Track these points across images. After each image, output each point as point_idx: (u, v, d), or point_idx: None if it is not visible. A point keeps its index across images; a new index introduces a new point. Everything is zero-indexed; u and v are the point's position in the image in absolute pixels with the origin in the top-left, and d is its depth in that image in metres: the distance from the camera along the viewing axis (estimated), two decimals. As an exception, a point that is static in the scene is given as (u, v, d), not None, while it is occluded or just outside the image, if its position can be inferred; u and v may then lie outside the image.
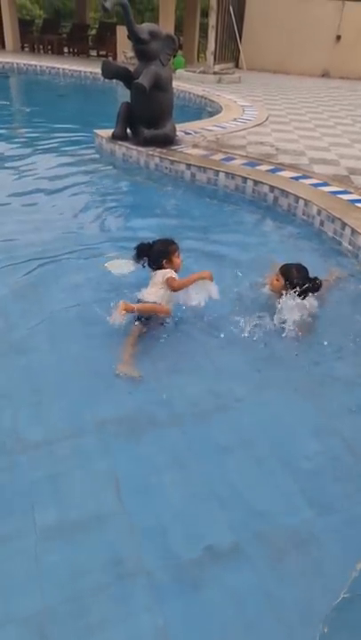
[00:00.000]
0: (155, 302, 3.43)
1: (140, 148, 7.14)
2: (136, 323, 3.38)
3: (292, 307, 3.51)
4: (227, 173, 6.30)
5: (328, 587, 2.00)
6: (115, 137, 7.49)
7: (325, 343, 3.43)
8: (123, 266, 4.12)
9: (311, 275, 3.61)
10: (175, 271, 3.60)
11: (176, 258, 3.65)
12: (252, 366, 3.23)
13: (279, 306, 3.54)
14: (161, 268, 3.60)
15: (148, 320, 3.42)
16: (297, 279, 3.54)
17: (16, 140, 8.72)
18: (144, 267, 3.69)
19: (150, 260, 3.63)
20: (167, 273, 3.52)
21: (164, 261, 3.61)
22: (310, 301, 3.58)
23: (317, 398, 2.99)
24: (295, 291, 3.51)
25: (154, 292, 3.48)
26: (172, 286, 3.48)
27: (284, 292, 3.55)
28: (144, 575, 1.99)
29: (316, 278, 3.58)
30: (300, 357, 3.31)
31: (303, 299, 3.52)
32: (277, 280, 3.63)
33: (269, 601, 1.95)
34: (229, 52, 20.16)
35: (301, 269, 3.61)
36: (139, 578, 1.98)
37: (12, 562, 2.01)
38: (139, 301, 3.42)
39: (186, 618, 1.88)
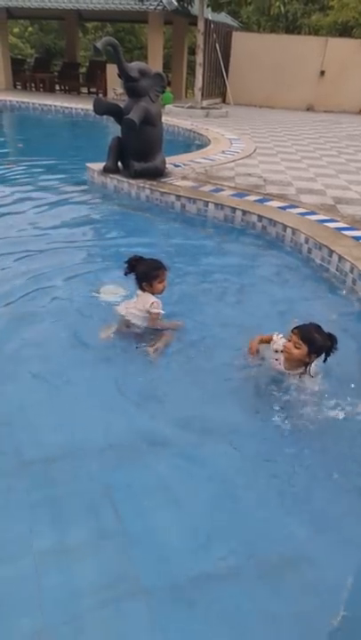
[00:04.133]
0: (140, 325, 3.64)
1: (131, 181, 7.30)
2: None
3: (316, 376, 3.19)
4: (216, 204, 6.44)
5: (325, 604, 2.02)
6: (106, 170, 7.66)
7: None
8: (114, 292, 4.19)
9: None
10: (154, 294, 3.68)
11: (158, 284, 3.66)
12: (248, 394, 3.25)
13: (304, 377, 3.17)
14: (142, 289, 3.67)
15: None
16: (322, 343, 3.06)
17: (10, 174, 8.87)
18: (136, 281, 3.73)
19: (137, 278, 3.68)
20: (154, 305, 3.60)
21: (144, 284, 3.65)
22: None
23: (309, 427, 2.99)
24: (317, 356, 3.11)
25: (140, 315, 3.63)
26: (152, 321, 3.64)
27: (307, 360, 3.12)
28: (142, 595, 2.00)
29: (330, 335, 3.12)
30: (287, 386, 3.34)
31: (325, 361, 3.14)
32: (298, 348, 3.07)
33: (267, 620, 1.96)
34: (216, 88, 20.75)
35: (320, 329, 3.11)
36: (137, 598, 1.99)
37: (13, 582, 2.03)
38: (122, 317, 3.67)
39: (184, 637, 1.89)
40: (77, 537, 2.22)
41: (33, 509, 2.34)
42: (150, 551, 2.18)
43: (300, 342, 3.05)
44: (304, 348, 3.06)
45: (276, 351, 3.27)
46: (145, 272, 3.63)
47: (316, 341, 3.04)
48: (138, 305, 3.66)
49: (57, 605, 1.95)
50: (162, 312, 3.66)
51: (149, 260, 3.71)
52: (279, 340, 3.28)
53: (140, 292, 3.69)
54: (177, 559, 2.17)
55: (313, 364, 3.14)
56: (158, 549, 2.20)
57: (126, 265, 3.67)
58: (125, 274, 3.70)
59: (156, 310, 3.61)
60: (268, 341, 3.36)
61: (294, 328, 3.12)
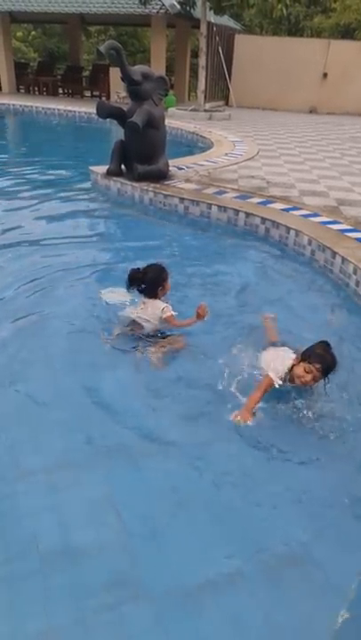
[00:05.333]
0: (151, 330, 3.64)
1: (135, 184, 7.32)
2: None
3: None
4: (219, 206, 6.46)
5: (327, 607, 2.03)
6: (109, 173, 7.69)
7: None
8: (118, 295, 4.21)
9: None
10: (164, 296, 3.74)
11: (167, 284, 3.75)
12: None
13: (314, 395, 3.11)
14: (155, 296, 3.68)
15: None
16: (334, 364, 2.97)
17: (14, 177, 8.91)
18: (138, 291, 3.72)
19: (145, 289, 3.69)
20: (165, 311, 3.63)
21: (159, 289, 3.69)
22: None
23: (310, 428, 2.98)
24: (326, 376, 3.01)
25: (152, 320, 3.64)
26: (172, 324, 3.66)
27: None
28: (145, 599, 2.00)
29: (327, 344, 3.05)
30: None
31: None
32: (314, 380, 2.97)
33: (269, 623, 1.96)
34: (219, 91, 20.78)
35: (329, 349, 3.01)
36: (140, 602, 1.99)
37: (18, 583, 2.04)
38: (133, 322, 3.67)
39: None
40: (81, 540, 2.23)
41: (36, 514, 2.34)
42: (153, 555, 2.19)
43: (321, 374, 2.94)
44: (321, 377, 2.98)
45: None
46: (155, 279, 3.67)
47: (334, 367, 2.96)
48: (147, 311, 3.67)
49: (62, 607, 1.95)
50: (175, 313, 3.68)
51: (151, 266, 3.72)
52: (284, 364, 3.07)
53: (146, 299, 3.70)
54: (180, 562, 2.17)
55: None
56: (161, 553, 2.20)
57: (130, 279, 3.66)
58: (137, 289, 3.70)
59: (170, 313, 3.64)
60: (270, 385, 3.02)
61: (311, 357, 2.95)
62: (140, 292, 3.72)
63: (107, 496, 2.46)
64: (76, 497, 2.45)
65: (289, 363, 3.06)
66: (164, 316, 3.63)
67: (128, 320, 3.75)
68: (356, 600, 2.05)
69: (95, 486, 2.52)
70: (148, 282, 3.66)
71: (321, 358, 2.93)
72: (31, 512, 2.35)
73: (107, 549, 2.19)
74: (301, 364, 2.98)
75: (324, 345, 3.02)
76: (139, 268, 3.70)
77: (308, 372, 2.94)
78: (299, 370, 2.98)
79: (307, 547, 2.28)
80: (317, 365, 2.92)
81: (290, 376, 3.06)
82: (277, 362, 3.10)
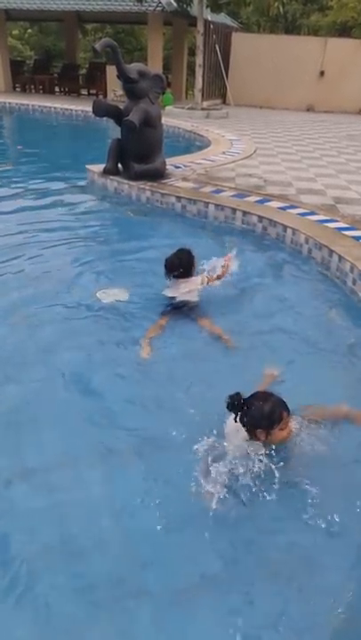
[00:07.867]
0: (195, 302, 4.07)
1: (132, 182, 7.31)
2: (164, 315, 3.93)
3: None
4: (216, 205, 6.45)
5: (326, 603, 2.02)
6: (106, 172, 7.68)
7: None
8: (114, 295, 4.21)
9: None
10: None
11: (196, 262, 4.18)
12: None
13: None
14: (191, 275, 4.10)
15: (176, 310, 4.00)
16: (268, 399, 2.57)
17: (10, 176, 8.89)
18: (175, 277, 4.07)
19: (183, 272, 4.06)
20: (204, 280, 4.11)
21: (193, 270, 4.13)
22: None
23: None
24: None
25: (192, 294, 4.07)
26: (214, 282, 4.15)
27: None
28: (145, 597, 2.01)
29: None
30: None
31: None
32: (287, 424, 2.59)
33: (269, 620, 1.97)
34: (216, 89, 20.74)
35: (247, 402, 2.57)
36: (140, 600, 2.00)
37: (16, 582, 2.04)
38: (174, 305, 4.03)
39: (187, 638, 1.90)
40: (81, 539, 2.23)
41: (35, 514, 2.34)
42: (153, 553, 2.19)
43: (285, 414, 2.55)
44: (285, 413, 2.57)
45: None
46: (190, 262, 4.11)
47: (272, 400, 2.55)
48: (190, 287, 4.07)
49: (60, 605, 1.96)
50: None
51: (181, 252, 4.12)
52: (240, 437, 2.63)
53: (181, 280, 4.07)
54: (180, 560, 2.17)
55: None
56: (161, 551, 2.20)
57: (169, 268, 4.04)
58: (168, 274, 4.06)
59: (207, 278, 4.11)
60: None
61: (262, 424, 2.52)
62: (177, 276, 4.08)
63: (106, 496, 2.45)
64: (72, 498, 2.44)
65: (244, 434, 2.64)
66: (206, 282, 4.09)
67: (170, 300, 4.07)
68: (358, 600, 2.04)
69: (94, 486, 2.51)
70: (185, 265, 4.07)
71: (268, 416, 2.52)
72: (30, 511, 2.34)
73: (105, 549, 2.19)
74: (262, 435, 2.57)
75: (250, 403, 2.56)
76: (171, 257, 4.07)
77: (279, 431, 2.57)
78: (270, 437, 2.57)
79: (308, 546, 2.27)
80: (262, 429, 2.53)
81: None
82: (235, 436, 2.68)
